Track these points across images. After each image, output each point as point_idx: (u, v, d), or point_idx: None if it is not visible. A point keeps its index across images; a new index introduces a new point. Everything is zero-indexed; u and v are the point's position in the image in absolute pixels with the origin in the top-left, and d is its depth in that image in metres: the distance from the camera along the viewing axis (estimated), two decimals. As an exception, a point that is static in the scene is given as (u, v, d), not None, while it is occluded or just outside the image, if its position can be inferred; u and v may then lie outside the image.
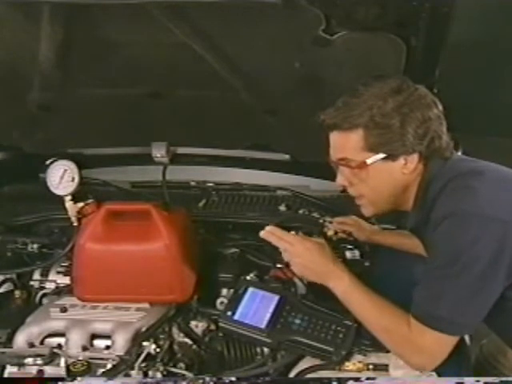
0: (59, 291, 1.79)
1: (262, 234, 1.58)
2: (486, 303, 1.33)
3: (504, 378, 1.20)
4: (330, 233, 1.93)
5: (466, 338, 1.60)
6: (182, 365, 1.54)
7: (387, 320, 1.40)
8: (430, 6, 1.32)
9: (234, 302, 1.56)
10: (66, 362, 1.49)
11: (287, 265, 1.81)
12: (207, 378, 1.26)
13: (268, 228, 1.57)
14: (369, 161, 1.40)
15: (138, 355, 1.50)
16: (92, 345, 1.56)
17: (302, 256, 1.51)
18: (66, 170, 1.85)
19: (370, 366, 1.42)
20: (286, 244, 1.53)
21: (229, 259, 1.87)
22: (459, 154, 1.59)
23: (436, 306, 1.33)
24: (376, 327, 1.42)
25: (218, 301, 1.73)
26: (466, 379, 1.22)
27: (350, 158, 1.42)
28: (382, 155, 1.40)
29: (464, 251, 1.29)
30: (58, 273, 1.84)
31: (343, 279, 1.47)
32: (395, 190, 1.44)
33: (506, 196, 1.35)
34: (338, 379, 1.25)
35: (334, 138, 1.45)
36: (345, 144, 1.43)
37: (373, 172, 1.42)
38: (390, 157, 1.40)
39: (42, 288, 1.83)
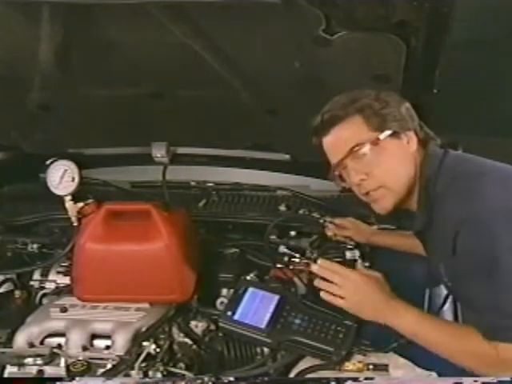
0: (59, 291, 1.79)
1: (314, 269, 1.49)
2: None
3: (502, 378, 1.19)
4: (330, 233, 1.93)
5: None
6: (181, 365, 1.55)
7: (469, 346, 1.33)
8: (430, 5, 1.32)
9: (234, 302, 1.56)
10: (65, 361, 1.50)
11: (287, 265, 1.82)
12: (206, 378, 1.26)
13: (321, 263, 1.49)
14: (381, 136, 1.40)
15: (138, 355, 1.50)
16: (92, 345, 1.56)
17: (361, 293, 1.43)
18: (66, 170, 1.85)
19: (370, 366, 1.42)
20: (344, 279, 1.44)
21: (229, 259, 1.87)
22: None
23: (501, 320, 1.28)
24: (460, 356, 1.34)
25: (218, 301, 1.73)
26: (465, 379, 1.22)
27: (361, 142, 1.41)
28: (388, 132, 1.41)
29: (495, 255, 1.27)
30: (58, 273, 1.84)
31: (407, 316, 1.39)
32: (410, 169, 1.43)
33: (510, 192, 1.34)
34: (337, 379, 1.24)
35: (338, 133, 1.44)
36: (351, 132, 1.42)
37: (387, 151, 1.41)
38: (395, 134, 1.41)
39: (42, 288, 1.83)
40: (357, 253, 1.87)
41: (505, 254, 1.26)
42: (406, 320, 1.39)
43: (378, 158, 1.41)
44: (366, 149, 1.41)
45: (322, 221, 1.98)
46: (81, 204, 1.84)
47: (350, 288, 1.43)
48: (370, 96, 1.44)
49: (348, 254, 1.87)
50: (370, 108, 1.42)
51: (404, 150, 1.43)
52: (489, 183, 1.34)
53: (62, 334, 1.57)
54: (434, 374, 1.38)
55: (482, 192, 1.32)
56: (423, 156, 1.44)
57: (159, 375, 1.48)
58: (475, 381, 1.18)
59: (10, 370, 1.51)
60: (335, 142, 1.46)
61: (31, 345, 1.56)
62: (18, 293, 1.83)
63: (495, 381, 1.18)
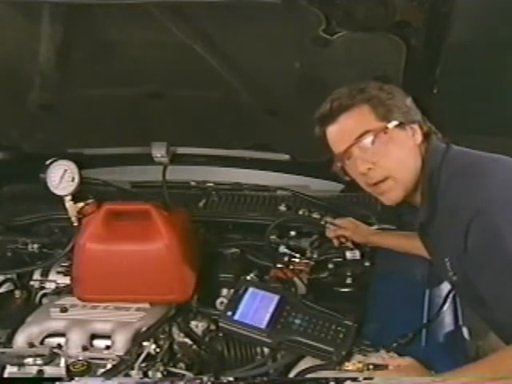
0: (59, 291, 1.79)
1: None
2: None
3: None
4: (330, 234, 1.93)
5: (466, 334, 1.60)
6: (181, 365, 1.55)
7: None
8: (430, 5, 1.32)
9: (234, 302, 1.56)
10: (66, 361, 1.50)
11: (287, 265, 1.82)
12: (205, 378, 1.26)
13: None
14: (390, 125, 1.39)
15: (138, 355, 1.50)
16: (92, 345, 1.56)
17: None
18: (66, 170, 1.85)
19: (370, 366, 1.42)
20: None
21: (229, 259, 1.87)
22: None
23: None
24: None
25: (218, 301, 1.73)
26: (469, 379, 1.21)
27: (371, 129, 1.40)
28: (395, 122, 1.40)
29: (506, 249, 1.25)
30: (58, 273, 1.84)
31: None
32: (417, 161, 1.42)
33: None
34: (336, 379, 1.24)
35: (345, 121, 1.42)
36: (358, 120, 1.41)
37: (394, 140, 1.40)
38: (400, 125, 1.41)
39: (42, 288, 1.83)
40: (357, 253, 1.87)
41: None
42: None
43: (386, 148, 1.40)
44: (374, 137, 1.39)
45: (323, 222, 1.97)
46: (81, 204, 1.83)
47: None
48: (375, 87, 1.43)
49: (348, 254, 1.87)
50: (377, 98, 1.41)
51: (410, 142, 1.42)
52: (492, 175, 1.33)
53: (62, 334, 1.57)
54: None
55: (487, 185, 1.31)
56: (426, 149, 1.44)
57: (159, 375, 1.49)
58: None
59: (10, 370, 1.51)
60: (342, 130, 1.44)
61: (31, 345, 1.56)
62: (18, 293, 1.83)
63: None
